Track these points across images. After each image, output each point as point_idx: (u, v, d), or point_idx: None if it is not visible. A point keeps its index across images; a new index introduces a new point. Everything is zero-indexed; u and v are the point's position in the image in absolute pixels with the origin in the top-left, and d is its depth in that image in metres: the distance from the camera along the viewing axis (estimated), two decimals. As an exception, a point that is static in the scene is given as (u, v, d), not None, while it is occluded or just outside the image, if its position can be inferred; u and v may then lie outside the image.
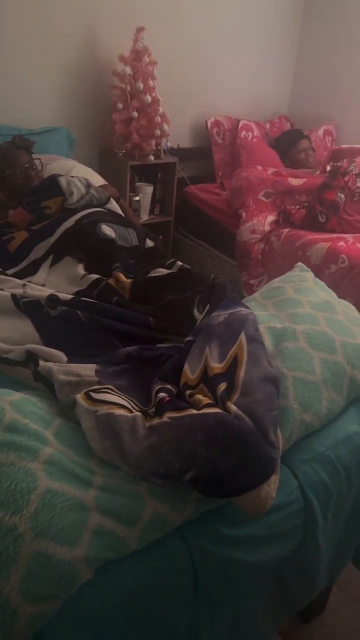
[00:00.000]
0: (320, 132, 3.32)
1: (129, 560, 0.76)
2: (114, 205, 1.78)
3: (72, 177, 1.73)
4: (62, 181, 1.68)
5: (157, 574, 0.78)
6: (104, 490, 0.79)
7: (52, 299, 1.23)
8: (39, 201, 1.65)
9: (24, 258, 1.48)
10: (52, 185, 1.68)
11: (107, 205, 1.75)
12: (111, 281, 1.33)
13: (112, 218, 1.62)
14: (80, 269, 1.40)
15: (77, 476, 0.79)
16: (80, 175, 1.93)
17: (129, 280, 1.32)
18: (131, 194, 2.71)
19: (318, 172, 2.81)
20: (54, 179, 1.69)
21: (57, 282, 1.37)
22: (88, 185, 1.72)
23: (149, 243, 1.63)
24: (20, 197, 1.76)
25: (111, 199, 1.78)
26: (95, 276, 1.35)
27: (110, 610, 0.73)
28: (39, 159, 1.96)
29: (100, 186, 1.95)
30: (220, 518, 0.86)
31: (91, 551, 0.72)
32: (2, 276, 1.37)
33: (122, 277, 1.33)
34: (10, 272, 1.44)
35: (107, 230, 1.52)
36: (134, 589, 0.76)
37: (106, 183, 2.13)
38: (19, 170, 1.86)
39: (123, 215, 1.81)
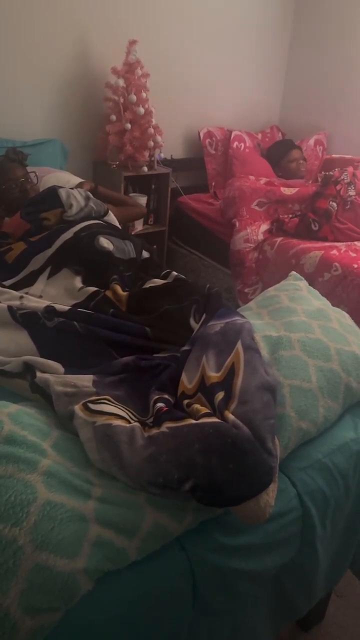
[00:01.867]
0: (312, 141, 3.35)
1: (129, 571, 0.76)
2: (111, 218, 1.79)
3: (72, 189, 1.74)
4: (62, 193, 1.68)
5: (156, 584, 0.78)
6: (103, 501, 0.79)
7: (49, 311, 1.23)
8: (37, 212, 1.66)
9: (21, 269, 1.48)
10: (51, 196, 1.69)
11: (106, 218, 1.76)
12: (108, 293, 1.33)
13: (110, 230, 1.62)
14: (78, 282, 1.40)
15: (76, 487, 0.79)
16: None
17: (125, 293, 1.33)
18: (125, 205, 2.72)
19: (310, 182, 2.84)
20: (54, 191, 1.70)
21: (55, 294, 1.38)
22: (87, 198, 1.73)
23: (144, 254, 1.64)
24: (17, 210, 1.77)
25: (109, 211, 1.79)
26: (92, 289, 1.36)
27: (111, 621, 0.73)
28: (34, 172, 1.97)
29: (79, 184, 1.96)
30: (219, 527, 0.87)
31: (91, 562, 0.72)
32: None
33: (119, 289, 1.34)
34: (7, 283, 1.44)
35: (105, 242, 1.53)
36: (134, 600, 0.76)
37: (82, 180, 2.12)
38: (15, 185, 1.87)
39: (113, 199, 1.82)
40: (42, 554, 0.69)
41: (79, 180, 2.23)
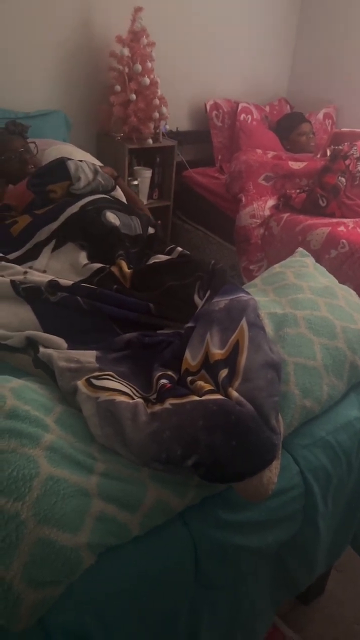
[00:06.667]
0: (320, 115, 3.28)
1: (131, 545, 0.77)
2: (119, 193, 1.75)
3: (81, 161, 1.70)
4: (71, 165, 1.64)
5: (158, 560, 0.79)
6: (106, 476, 0.79)
7: (52, 285, 1.22)
8: (44, 184, 1.62)
9: (26, 242, 1.45)
10: (60, 168, 1.65)
11: (113, 193, 1.72)
12: (114, 269, 1.32)
13: (117, 205, 1.59)
14: (83, 257, 1.38)
15: (79, 463, 0.79)
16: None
17: (130, 270, 1.31)
18: (130, 178, 2.68)
19: (319, 156, 2.78)
20: (62, 163, 1.66)
21: (59, 268, 1.35)
22: (96, 172, 1.69)
23: (150, 230, 1.62)
24: (17, 182, 1.73)
25: (117, 186, 1.75)
26: (97, 265, 1.33)
27: (113, 596, 0.74)
28: (33, 142, 1.93)
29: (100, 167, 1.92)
30: (221, 503, 0.87)
31: (94, 537, 0.72)
32: (3, 263, 1.35)
33: (125, 266, 1.32)
34: (11, 256, 1.42)
35: (112, 217, 1.50)
36: (136, 575, 0.76)
37: (101, 165, 2.10)
38: (14, 155, 1.84)
39: (124, 196, 1.79)
40: (44, 528, 0.69)
41: (82, 152, 2.19)
